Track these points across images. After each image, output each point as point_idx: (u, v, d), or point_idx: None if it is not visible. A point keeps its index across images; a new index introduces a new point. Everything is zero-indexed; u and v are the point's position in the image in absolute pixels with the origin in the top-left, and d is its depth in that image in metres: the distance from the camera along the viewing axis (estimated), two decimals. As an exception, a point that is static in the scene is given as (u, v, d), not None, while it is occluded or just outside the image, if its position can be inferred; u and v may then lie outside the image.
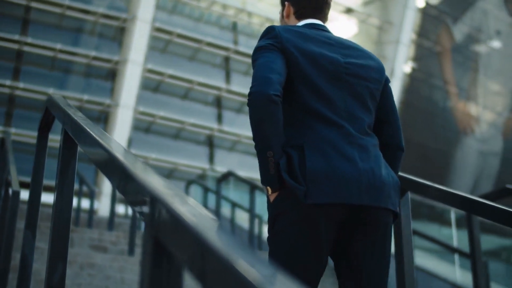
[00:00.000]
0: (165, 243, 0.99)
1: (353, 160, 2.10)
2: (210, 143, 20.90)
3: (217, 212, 8.29)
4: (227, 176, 8.68)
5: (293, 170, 2.08)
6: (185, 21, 20.96)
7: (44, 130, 2.99)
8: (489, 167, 25.44)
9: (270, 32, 2.26)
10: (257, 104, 2.03)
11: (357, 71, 2.27)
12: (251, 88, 2.08)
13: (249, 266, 0.77)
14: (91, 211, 8.03)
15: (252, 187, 7.31)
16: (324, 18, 2.45)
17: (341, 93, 2.21)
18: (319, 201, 2.03)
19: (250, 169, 20.91)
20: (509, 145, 26.00)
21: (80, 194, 8.88)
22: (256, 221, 7.57)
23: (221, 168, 20.30)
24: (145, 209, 1.14)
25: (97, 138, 1.67)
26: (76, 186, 11.07)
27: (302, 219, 2.06)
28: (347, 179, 2.06)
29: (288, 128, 2.15)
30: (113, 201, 7.91)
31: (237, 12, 21.69)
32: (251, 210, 7.28)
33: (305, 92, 2.17)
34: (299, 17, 2.43)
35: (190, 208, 0.96)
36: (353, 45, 2.38)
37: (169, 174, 19.80)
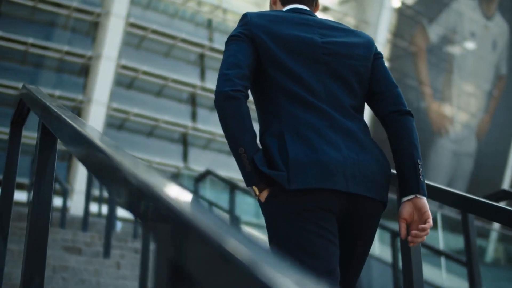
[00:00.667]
0: (188, 268, 0.76)
1: (337, 146, 2.00)
2: (184, 141, 20.63)
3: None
4: (205, 175, 8.42)
5: (273, 160, 1.99)
6: (160, 17, 20.65)
7: (17, 125, 2.74)
8: (463, 168, 25.58)
9: (242, 19, 2.20)
10: (218, 104, 2.01)
11: (337, 50, 2.17)
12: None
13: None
14: (64, 210, 7.72)
15: (232, 187, 7.07)
16: (310, 4, 2.34)
17: (319, 75, 2.12)
18: (303, 186, 1.93)
19: (225, 168, 20.68)
20: (482, 146, 26.17)
21: (53, 190, 8.63)
22: (235, 222, 7.37)
23: (195, 166, 20.04)
24: (153, 220, 0.92)
25: (83, 131, 1.45)
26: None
27: (296, 211, 1.95)
28: (332, 166, 1.96)
29: (266, 116, 2.10)
30: (87, 199, 7.62)
31: (212, 9, 21.44)
32: (231, 211, 7.05)
33: (280, 77, 2.09)
34: (285, 3, 2.35)
35: (218, 222, 0.75)
36: (336, 25, 2.28)
37: (142, 172, 19.45)
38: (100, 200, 10.71)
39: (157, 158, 19.53)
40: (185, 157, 20.40)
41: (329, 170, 1.95)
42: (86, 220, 7.45)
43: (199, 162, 20.26)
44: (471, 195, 3.15)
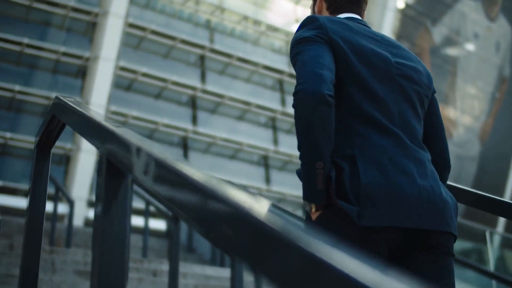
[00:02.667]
0: None
1: (411, 176, 1.84)
2: (184, 145, 20.05)
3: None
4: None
5: (343, 184, 1.80)
6: (159, 17, 20.08)
7: (44, 146, 2.18)
8: (466, 172, 25.15)
9: (312, 21, 1.96)
10: (308, 105, 1.75)
11: (408, 73, 2.02)
12: (298, 85, 1.80)
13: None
14: (70, 228, 7.00)
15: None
16: (361, 13, 2.18)
17: (393, 95, 1.95)
18: (375, 224, 1.76)
19: (226, 173, 20.13)
20: (485, 149, 25.76)
21: (55, 199, 7.90)
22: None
23: (195, 171, 19.45)
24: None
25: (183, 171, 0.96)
26: (49, 191, 10.10)
27: (352, 241, 1.78)
28: (406, 198, 1.80)
29: (336, 134, 1.87)
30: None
31: (213, 9, 20.88)
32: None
33: (356, 92, 1.90)
34: (334, 12, 2.15)
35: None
36: (400, 45, 2.13)
37: (141, 177, 18.87)
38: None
39: (157, 162, 18.92)
40: (185, 161, 19.79)
41: (402, 205, 1.79)
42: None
43: (200, 167, 19.65)
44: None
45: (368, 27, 2.11)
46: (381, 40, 2.06)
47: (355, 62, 1.91)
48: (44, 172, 2.20)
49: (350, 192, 1.77)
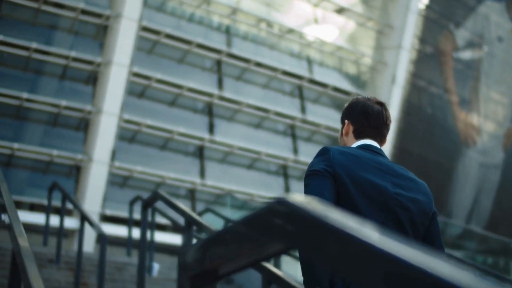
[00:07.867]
0: None
1: None
2: (201, 154, 19.04)
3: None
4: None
5: None
6: (174, 20, 19.08)
7: (211, 277, 1.16)
8: (490, 180, 24.23)
9: (324, 153, 2.28)
10: None
11: (406, 204, 2.27)
12: None
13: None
14: (102, 261, 5.97)
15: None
16: (381, 139, 2.47)
17: (386, 224, 2.22)
18: None
19: (244, 184, 19.15)
20: (509, 156, 24.82)
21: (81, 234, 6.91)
22: None
23: (212, 182, 18.49)
24: None
25: None
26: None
27: None
28: None
29: None
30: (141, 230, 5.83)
31: (230, 12, 19.87)
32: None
33: None
34: (358, 136, 2.46)
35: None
36: (404, 173, 2.36)
37: (155, 188, 17.88)
38: (130, 223, 9.06)
39: (172, 173, 17.96)
40: (201, 171, 18.80)
41: None
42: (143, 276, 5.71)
43: (216, 177, 18.70)
44: (498, 207, 2.50)
45: (382, 155, 2.37)
46: (386, 170, 2.29)
47: (354, 194, 2.18)
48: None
49: None
